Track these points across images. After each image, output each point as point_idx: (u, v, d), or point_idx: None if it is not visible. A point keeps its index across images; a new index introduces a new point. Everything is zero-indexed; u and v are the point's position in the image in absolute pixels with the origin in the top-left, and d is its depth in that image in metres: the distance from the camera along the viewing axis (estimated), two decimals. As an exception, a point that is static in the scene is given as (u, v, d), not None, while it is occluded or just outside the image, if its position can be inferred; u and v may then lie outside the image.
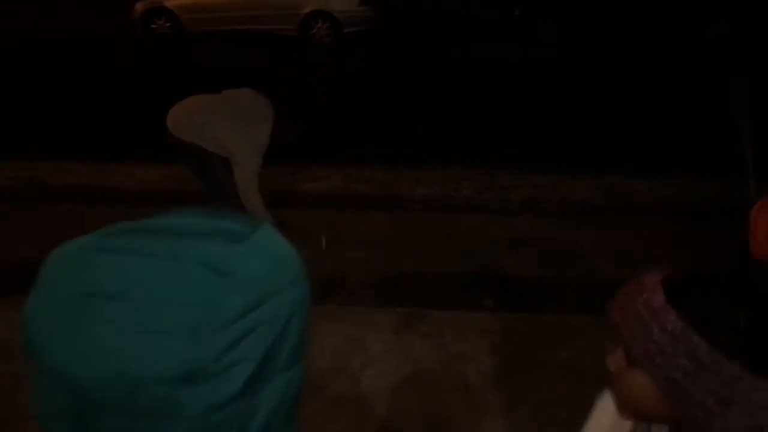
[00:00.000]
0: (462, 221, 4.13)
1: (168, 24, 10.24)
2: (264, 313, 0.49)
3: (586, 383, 2.38)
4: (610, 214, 4.21)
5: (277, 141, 3.25)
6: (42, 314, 0.48)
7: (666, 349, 0.71)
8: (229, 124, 3.11)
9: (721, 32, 8.70)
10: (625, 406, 0.83)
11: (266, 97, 3.35)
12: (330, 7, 9.95)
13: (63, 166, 5.10)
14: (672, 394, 0.72)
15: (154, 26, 10.32)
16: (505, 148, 5.31)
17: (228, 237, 0.52)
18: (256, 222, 0.55)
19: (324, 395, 2.36)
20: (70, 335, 0.46)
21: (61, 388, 0.47)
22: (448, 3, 13.21)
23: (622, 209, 4.26)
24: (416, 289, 3.26)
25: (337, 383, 2.45)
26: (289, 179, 4.72)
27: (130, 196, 4.59)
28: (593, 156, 5.04)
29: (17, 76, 8.11)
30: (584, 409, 2.21)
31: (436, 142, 5.62)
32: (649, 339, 0.72)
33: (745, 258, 1.76)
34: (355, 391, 2.40)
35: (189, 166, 3.33)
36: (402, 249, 3.70)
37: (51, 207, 4.36)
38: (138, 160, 5.08)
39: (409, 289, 3.26)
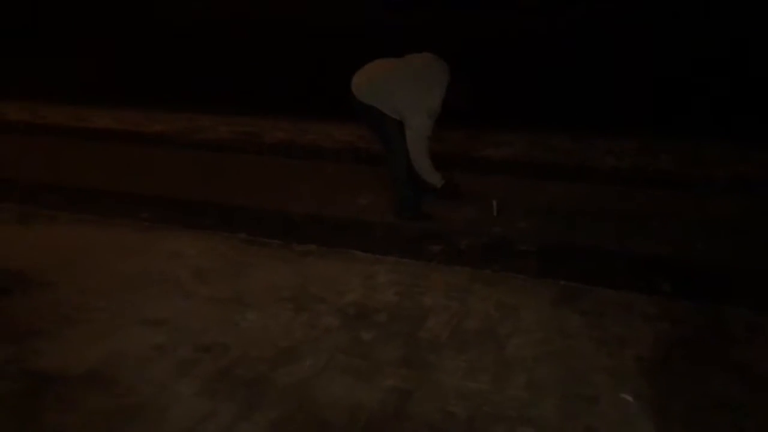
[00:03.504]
0: (653, 196, 3.79)
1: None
2: None
3: (763, 391, 2.10)
4: None
5: (452, 107, 3.30)
6: None
7: None
8: (405, 89, 3.23)
9: None
10: None
11: (446, 62, 3.39)
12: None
13: (277, 124, 5.73)
14: None
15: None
16: (716, 119, 4.68)
17: None
18: None
19: (466, 355, 2.40)
20: None
21: None
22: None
23: None
24: (585, 264, 3.10)
25: (482, 346, 2.47)
26: (471, 143, 4.73)
27: (327, 152, 5.00)
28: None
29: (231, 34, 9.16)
30: (754, 417, 1.96)
31: (635, 110, 5.16)
32: None
33: None
34: (499, 356, 2.40)
35: (368, 127, 3.54)
36: (576, 222, 3.53)
37: (263, 159, 4.96)
38: (337, 120, 5.50)
39: (577, 264, 3.11)
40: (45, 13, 9.30)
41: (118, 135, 5.75)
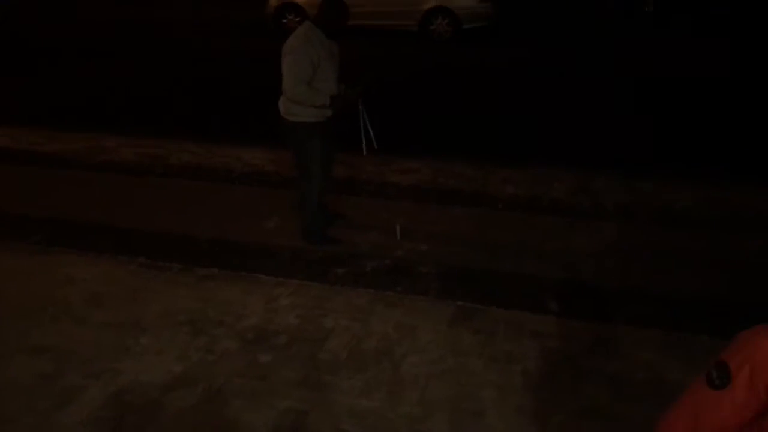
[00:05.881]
0: (545, 223, 4.02)
1: (297, 19, 10.81)
2: None
3: (630, 398, 2.28)
4: (712, 228, 3.89)
5: (348, 100, 3.45)
6: None
7: None
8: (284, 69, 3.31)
9: None
10: None
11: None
12: (450, 3, 9.99)
13: (183, 145, 5.61)
14: None
15: (285, 20, 10.97)
16: (605, 151, 5.07)
17: None
18: None
19: (362, 374, 2.45)
20: None
21: None
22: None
23: (725, 224, 3.92)
24: (480, 286, 3.24)
25: (378, 365, 2.52)
26: (379, 169, 4.85)
27: (235, 175, 4.96)
28: (700, 165, 4.67)
29: (151, 63, 8.99)
30: (620, 424, 2.12)
31: (535, 141, 5.49)
32: None
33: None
34: (394, 374, 2.47)
35: (291, 148, 3.57)
36: (476, 246, 3.69)
37: (169, 182, 4.84)
38: (247, 144, 5.47)
39: (473, 286, 3.25)
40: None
41: (11, 154, 5.44)
